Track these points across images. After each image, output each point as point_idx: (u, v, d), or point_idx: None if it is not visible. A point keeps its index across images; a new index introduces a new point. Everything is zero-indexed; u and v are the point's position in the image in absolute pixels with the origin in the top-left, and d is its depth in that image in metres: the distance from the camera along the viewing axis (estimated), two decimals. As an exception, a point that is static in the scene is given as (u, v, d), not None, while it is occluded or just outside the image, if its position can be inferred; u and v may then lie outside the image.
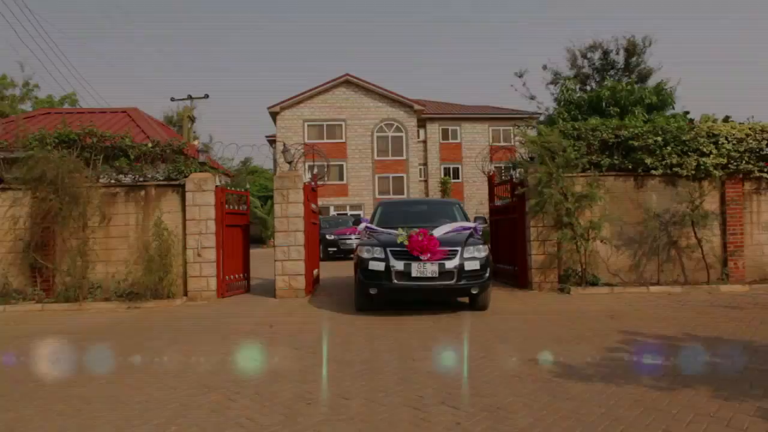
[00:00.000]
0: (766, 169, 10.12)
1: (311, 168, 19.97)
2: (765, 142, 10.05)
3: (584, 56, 27.94)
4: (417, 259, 7.16)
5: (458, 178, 39.93)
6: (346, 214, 30.22)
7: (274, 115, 35.99)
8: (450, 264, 7.26)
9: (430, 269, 7.17)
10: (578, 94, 19.26)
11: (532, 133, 13.14)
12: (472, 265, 7.37)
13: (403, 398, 4.29)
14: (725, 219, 10.14)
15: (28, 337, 7.00)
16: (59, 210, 9.04)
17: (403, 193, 36.72)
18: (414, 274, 7.17)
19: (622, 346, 5.82)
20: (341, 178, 36.02)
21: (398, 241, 7.31)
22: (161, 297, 9.28)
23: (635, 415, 3.83)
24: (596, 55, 27.79)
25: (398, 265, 7.23)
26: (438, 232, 7.62)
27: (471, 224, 8.47)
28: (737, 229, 10.13)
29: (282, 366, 5.36)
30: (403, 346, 6.02)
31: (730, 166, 10.01)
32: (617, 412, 3.88)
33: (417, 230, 7.36)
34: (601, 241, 9.69)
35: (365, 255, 7.55)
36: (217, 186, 9.74)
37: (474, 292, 7.51)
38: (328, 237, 19.80)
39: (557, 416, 3.84)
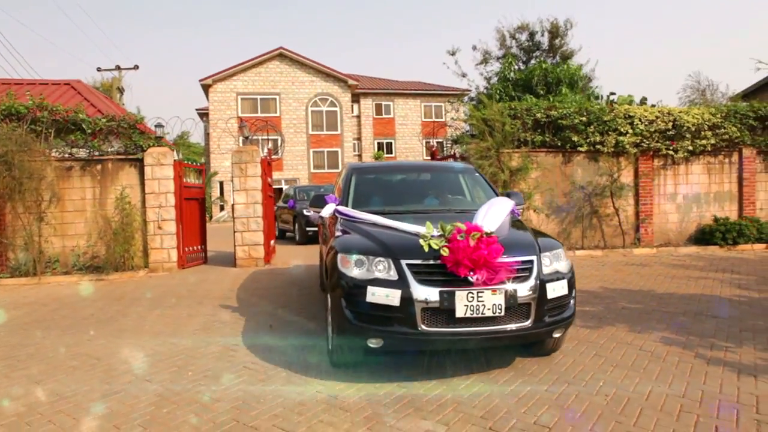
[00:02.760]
0: (671, 148, 11.56)
1: (245, 141, 19.95)
2: (671, 124, 11.47)
3: (512, 37, 29.23)
4: (464, 281, 3.81)
5: (392, 153, 40.86)
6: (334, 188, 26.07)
7: (206, 88, 35.27)
8: (524, 289, 3.92)
9: (492, 302, 3.81)
10: (512, 73, 20.45)
11: (464, 110, 14.12)
12: (557, 290, 4.07)
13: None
14: (638, 191, 11.54)
15: (11, 308, 7.18)
16: (16, 185, 9.02)
17: (338, 168, 37.18)
18: (461, 312, 3.79)
19: (556, 298, 6.86)
20: (276, 153, 35.95)
21: (425, 248, 3.94)
22: (123, 269, 9.52)
23: (572, 346, 4.81)
24: (523, 37, 29.15)
25: (428, 294, 3.81)
26: (488, 223, 4.21)
27: (506, 202, 5.01)
28: (648, 199, 11.57)
29: (266, 321, 5.97)
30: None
31: (643, 144, 11.37)
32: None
33: (461, 225, 4.02)
34: (534, 211, 10.82)
35: (356, 273, 4.02)
36: (175, 160, 9.99)
37: (557, 335, 4.24)
38: (306, 213, 14.52)
39: (514, 351, 4.75)
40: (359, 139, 40.04)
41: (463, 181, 6.18)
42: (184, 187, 10.25)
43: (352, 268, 4.05)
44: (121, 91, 27.49)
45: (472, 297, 3.80)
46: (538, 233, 4.73)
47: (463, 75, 25.71)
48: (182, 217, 10.13)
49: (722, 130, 11.61)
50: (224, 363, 4.60)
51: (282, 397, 3.79)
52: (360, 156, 39.76)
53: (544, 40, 28.98)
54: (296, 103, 36.46)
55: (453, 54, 25.45)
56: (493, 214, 4.43)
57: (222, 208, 34.27)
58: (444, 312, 3.81)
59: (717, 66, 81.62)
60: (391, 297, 3.83)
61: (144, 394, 3.94)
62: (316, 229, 13.56)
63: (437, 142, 15.76)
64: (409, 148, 40.78)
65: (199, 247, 10.88)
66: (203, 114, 39.00)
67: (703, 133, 11.54)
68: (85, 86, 12.75)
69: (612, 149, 11.25)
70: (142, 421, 3.48)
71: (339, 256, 4.18)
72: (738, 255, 10.46)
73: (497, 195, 5.49)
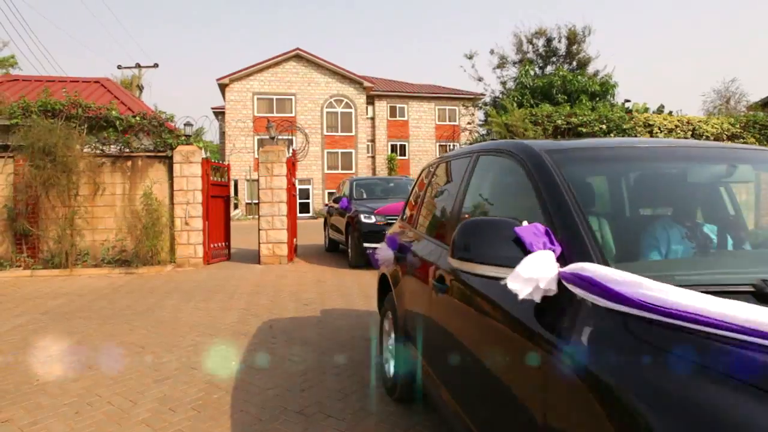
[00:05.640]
0: (690, 156, 11.67)
1: (270, 141, 20.21)
2: (690, 133, 11.60)
3: (530, 42, 29.36)
4: None
5: (405, 155, 40.99)
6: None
7: (222, 87, 35.65)
8: None
9: None
10: (528, 80, 20.61)
11: (479, 114, 14.29)
12: None
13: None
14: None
15: (49, 298, 7.45)
16: (57, 179, 9.34)
17: (351, 169, 37.44)
18: None
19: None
20: (300, 153, 36.31)
21: None
22: (151, 264, 9.78)
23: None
24: (540, 42, 29.28)
25: None
26: None
27: None
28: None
29: (298, 317, 6.19)
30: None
31: (661, 152, 11.50)
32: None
33: None
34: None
35: None
36: (203, 158, 10.25)
37: None
38: (365, 220, 9.55)
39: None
40: (373, 140, 40.22)
41: None
42: (210, 185, 10.51)
43: None
44: (140, 88, 27.90)
45: None
46: None
47: (480, 79, 25.90)
48: (208, 214, 10.39)
49: (741, 140, 11.71)
50: (267, 354, 4.82)
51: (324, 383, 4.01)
52: (374, 158, 39.93)
53: (562, 46, 29.08)
54: (312, 104, 36.76)
55: (470, 57, 25.72)
56: None
57: (236, 206, 34.62)
58: None
59: (744, 75, 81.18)
60: None
61: (193, 380, 4.16)
62: (378, 245, 7.42)
63: (453, 146, 15.93)
64: (423, 151, 40.93)
65: (223, 243, 11.15)
66: (219, 113, 39.41)
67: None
68: (114, 84, 13.06)
69: (631, 157, 11.38)
70: (196, 405, 3.70)
71: None
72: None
73: None
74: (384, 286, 4.13)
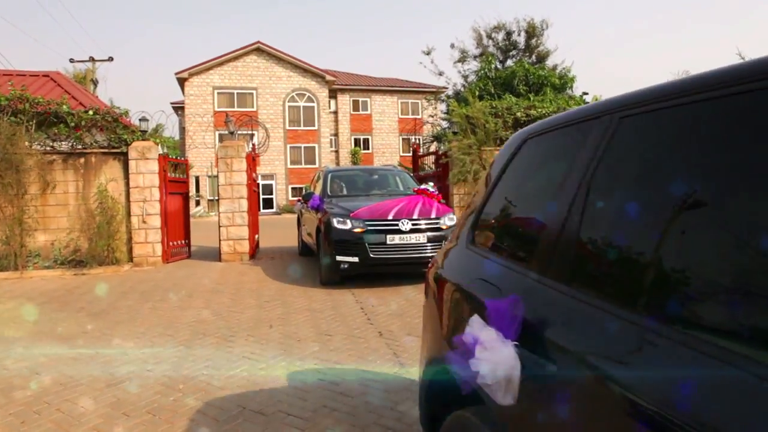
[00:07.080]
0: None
1: (229, 136, 19.77)
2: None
3: (489, 36, 29.57)
4: None
5: (368, 149, 40.93)
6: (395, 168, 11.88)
7: (181, 82, 34.82)
8: None
9: None
10: (491, 72, 20.75)
11: (442, 107, 14.38)
12: None
13: (344, 327, 5.25)
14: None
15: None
16: (1, 177, 8.93)
17: (315, 164, 37.18)
18: None
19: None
20: (260, 148, 35.79)
21: None
22: (107, 263, 9.48)
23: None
24: (500, 36, 29.52)
25: None
26: None
27: None
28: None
29: (257, 314, 6.10)
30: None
31: (618, 143, 11.76)
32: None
33: None
34: (514, 207, 11.11)
35: None
36: (160, 154, 9.97)
37: None
38: (338, 225, 7.40)
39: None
40: (336, 134, 40.03)
41: None
42: (168, 181, 10.24)
43: None
44: (94, 83, 26.97)
45: None
46: None
47: (440, 74, 25.98)
48: (167, 211, 10.13)
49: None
50: (223, 353, 4.72)
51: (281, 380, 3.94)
52: (337, 152, 39.74)
53: (521, 40, 29.37)
54: (273, 98, 36.27)
55: (428, 53, 25.68)
56: None
57: (198, 203, 33.95)
58: None
59: (696, 69, 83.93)
60: None
61: (148, 383, 4.04)
62: (353, 260, 7.26)
63: (417, 139, 15.96)
64: (386, 145, 40.97)
65: (183, 241, 10.89)
66: (178, 107, 38.49)
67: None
68: (65, 78, 12.56)
69: (588, 148, 11.60)
70: (150, 408, 3.59)
71: None
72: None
73: None
74: (447, 398, 1.83)
